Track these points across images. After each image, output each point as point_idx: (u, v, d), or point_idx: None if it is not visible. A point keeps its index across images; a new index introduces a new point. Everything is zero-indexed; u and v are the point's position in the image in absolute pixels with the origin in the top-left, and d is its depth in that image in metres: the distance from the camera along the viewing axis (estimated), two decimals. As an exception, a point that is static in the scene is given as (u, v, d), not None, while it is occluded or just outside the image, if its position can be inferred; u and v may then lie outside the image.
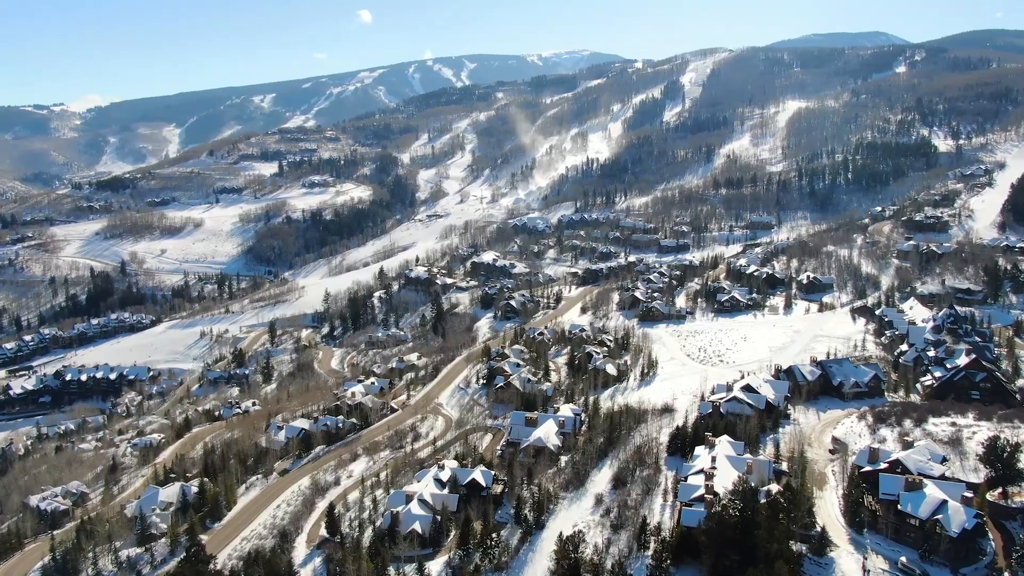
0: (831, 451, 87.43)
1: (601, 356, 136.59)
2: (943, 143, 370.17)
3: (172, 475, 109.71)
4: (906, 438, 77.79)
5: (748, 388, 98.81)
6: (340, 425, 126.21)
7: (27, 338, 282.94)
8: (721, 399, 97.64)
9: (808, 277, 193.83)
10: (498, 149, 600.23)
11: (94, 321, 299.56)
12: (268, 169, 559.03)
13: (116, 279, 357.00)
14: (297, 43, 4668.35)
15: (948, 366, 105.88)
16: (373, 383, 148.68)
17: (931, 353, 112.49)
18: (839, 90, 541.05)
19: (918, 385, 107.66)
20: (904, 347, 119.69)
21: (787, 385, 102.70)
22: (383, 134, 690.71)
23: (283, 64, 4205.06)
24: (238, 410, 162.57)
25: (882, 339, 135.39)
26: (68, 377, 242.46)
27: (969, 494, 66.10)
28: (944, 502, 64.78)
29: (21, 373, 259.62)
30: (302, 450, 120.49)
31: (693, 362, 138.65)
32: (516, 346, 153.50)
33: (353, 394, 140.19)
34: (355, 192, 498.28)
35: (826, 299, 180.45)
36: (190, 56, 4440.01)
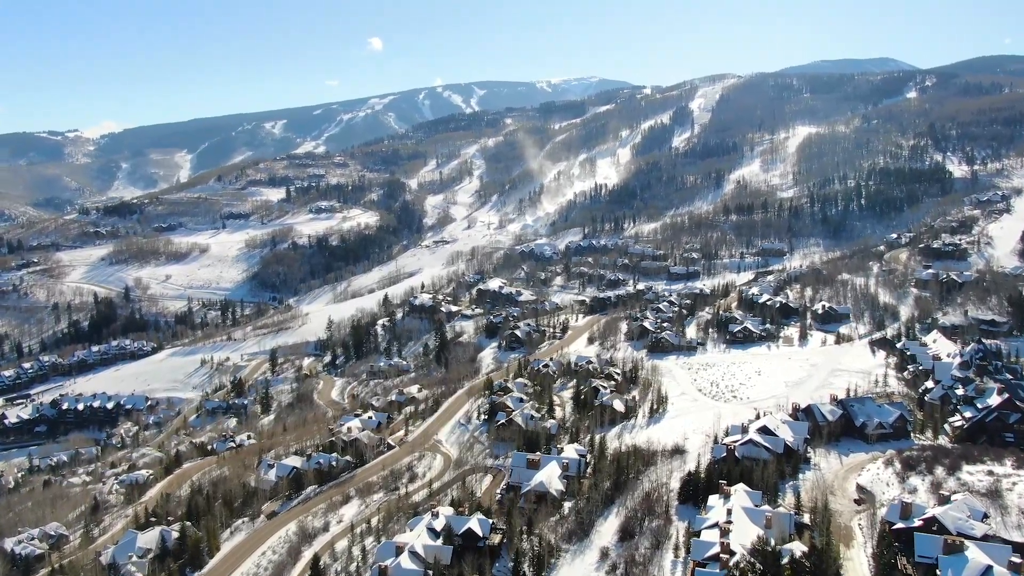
0: (856, 501, 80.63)
1: (608, 391, 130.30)
2: (957, 168, 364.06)
3: (153, 518, 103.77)
4: (942, 492, 71.04)
5: (765, 430, 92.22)
6: (334, 463, 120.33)
7: (26, 365, 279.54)
8: (736, 442, 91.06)
9: (823, 307, 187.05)
10: (506, 175, 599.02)
11: (94, 348, 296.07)
12: (275, 195, 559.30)
13: (119, 305, 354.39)
14: (309, 70, 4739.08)
15: (979, 406, 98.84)
16: (370, 417, 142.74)
17: (959, 391, 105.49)
18: (849, 115, 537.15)
19: (946, 426, 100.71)
20: (929, 384, 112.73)
21: (806, 426, 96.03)
22: (391, 160, 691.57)
23: (295, 91, 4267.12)
24: (232, 444, 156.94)
25: (904, 374, 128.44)
26: (65, 406, 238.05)
27: (1016, 558, 59.23)
28: (989, 568, 57.94)
29: (19, 401, 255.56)
30: (293, 490, 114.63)
31: (705, 397, 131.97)
32: (520, 379, 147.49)
33: (349, 429, 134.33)
34: (362, 218, 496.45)
35: (843, 330, 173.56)
36: (204, 83, 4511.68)
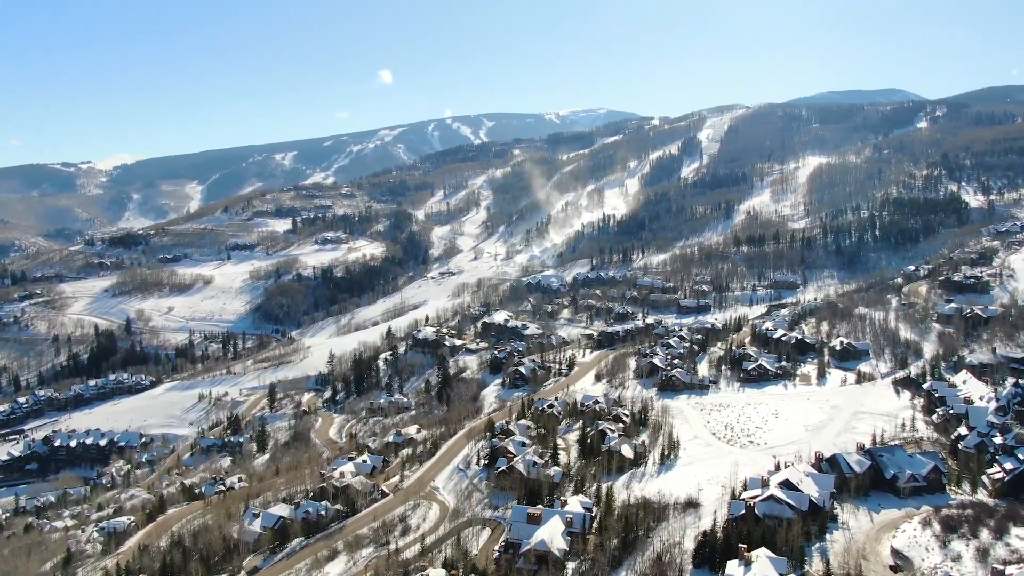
0: (892, 568, 72.45)
1: (616, 435, 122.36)
2: (973, 199, 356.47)
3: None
4: (994, 565, 62.93)
5: (787, 484, 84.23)
6: (323, 512, 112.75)
7: (21, 400, 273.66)
8: (755, 497, 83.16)
9: (841, 343, 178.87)
10: (513, 206, 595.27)
11: (91, 382, 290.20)
12: (282, 226, 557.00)
13: (120, 338, 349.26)
14: (319, 103, 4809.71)
15: (1020, 456, 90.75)
16: (365, 461, 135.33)
17: (997, 439, 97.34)
18: (860, 145, 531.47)
19: (984, 478, 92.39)
20: (963, 430, 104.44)
21: (832, 479, 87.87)
22: (399, 190, 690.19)
23: (305, 123, 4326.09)
24: (220, 487, 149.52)
25: (933, 418, 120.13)
26: (57, 443, 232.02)
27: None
28: (1057, 661, 50.01)
29: (12, 437, 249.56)
30: (277, 543, 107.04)
31: (719, 442, 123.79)
32: (522, 420, 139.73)
33: (342, 474, 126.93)
34: (367, 249, 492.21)
35: (863, 367, 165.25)
36: (216, 115, 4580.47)
